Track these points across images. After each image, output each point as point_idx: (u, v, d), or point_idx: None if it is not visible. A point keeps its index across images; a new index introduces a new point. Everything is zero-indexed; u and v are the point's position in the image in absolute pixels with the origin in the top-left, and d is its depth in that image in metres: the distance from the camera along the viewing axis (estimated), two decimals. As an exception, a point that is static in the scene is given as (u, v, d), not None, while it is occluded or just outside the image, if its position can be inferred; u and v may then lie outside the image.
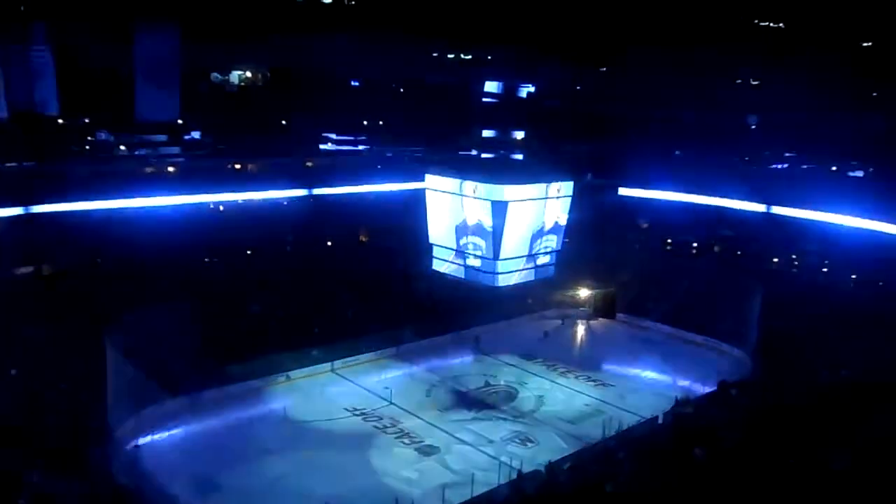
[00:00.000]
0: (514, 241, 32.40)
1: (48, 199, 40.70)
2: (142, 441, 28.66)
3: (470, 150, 65.81)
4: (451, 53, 60.61)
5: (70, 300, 36.39)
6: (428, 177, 35.31)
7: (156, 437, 29.70)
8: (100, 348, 28.98)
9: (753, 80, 55.86)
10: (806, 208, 49.20)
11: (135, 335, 31.48)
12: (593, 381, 38.12)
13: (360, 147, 60.49)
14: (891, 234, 44.46)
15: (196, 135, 52.41)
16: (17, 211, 39.73)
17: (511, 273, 33.66)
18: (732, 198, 52.92)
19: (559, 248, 35.03)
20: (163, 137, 50.27)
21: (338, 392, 35.61)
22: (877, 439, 23.89)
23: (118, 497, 23.97)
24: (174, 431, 30.42)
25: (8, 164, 42.30)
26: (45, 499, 21.72)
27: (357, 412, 33.24)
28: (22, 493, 21.41)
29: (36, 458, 23.96)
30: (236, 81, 60.12)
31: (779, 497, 20.09)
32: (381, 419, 32.59)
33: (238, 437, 30.36)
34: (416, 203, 38.52)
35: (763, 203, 51.88)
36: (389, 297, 45.05)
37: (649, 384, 37.77)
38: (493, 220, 31.64)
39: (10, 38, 40.73)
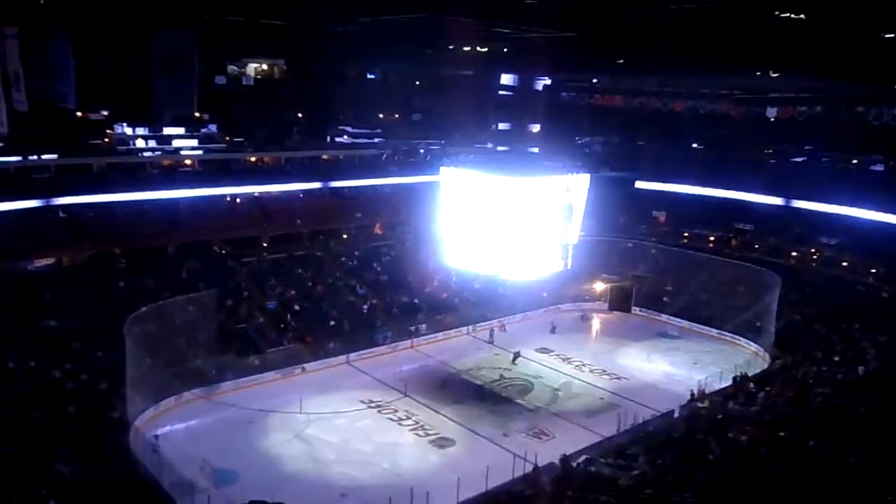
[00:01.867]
0: (530, 235, 32.30)
1: (68, 192, 41.13)
2: (160, 431, 29.00)
3: (485, 143, 65.62)
4: (467, 46, 60.39)
5: (90, 292, 36.82)
6: (443, 169, 35.23)
7: (174, 427, 30.06)
8: (119, 340, 29.35)
9: (773, 73, 55.14)
10: (825, 201, 48.67)
11: (154, 327, 31.87)
12: (608, 374, 38.07)
13: (377, 140, 60.44)
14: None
15: (213, 128, 52.62)
16: (37, 203, 40.17)
17: (526, 266, 33.57)
18: (750, 191, 52.45)
19: (575, 241, 34.93)
20: (180, 130, 50.57)
21: (353, 384, 35.83)
22: (894, 435, 23.68)
23: (137, 485, 24.30)
24: (192, 423, 30.77)
25: (29, 157, 42.73)
26: (67, 487, 22.04)
27: (373, 404, 33.43)
28: (45, 482, 21.74)
29: (58, 447, 24.34)
30: (252, 74, 60.28)
31: (794, 492, 19.99)
32: (397, 411, 32.75)
33: (255, 428, 30.66)
34: (431, 196, 38.52)
35: (782, 196, 51.37)
36: (405, 289, 45.24)
37: (665, 378, 37.66)
38: (508, 213, 31.56)
39: (30, 31, 41.09)
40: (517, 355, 38.98)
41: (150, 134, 49.83)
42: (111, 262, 39.95)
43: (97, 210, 42.00)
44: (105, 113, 50.78)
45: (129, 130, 49.40)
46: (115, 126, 49.34)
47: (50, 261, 38.71)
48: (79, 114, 47.59)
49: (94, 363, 31.44)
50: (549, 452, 27.39)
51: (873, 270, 44.19)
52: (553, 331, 43.66)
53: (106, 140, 48.98)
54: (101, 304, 35.73)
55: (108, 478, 23.58)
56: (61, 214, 40.99)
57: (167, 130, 50.26)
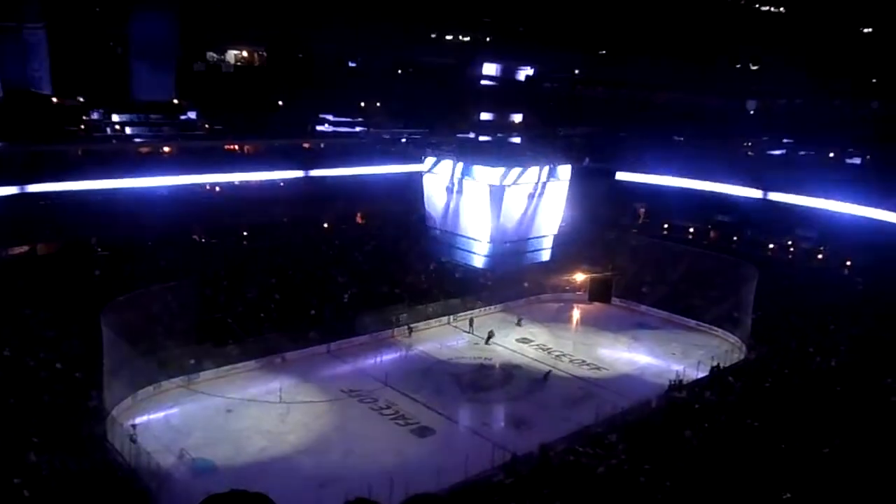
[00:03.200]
0: (511, 225, 32.36)
1: (43, 179, 40.45)
2: (138, 421, 28.74)
3: (468, 133, 65.51)
4: (449, 35, 60.12)
5: (66, 280, 36.34)
6: (425, 159, 35.14)
7: (152, 417, 29.82)
8: (95, 329, 29.01)
9: (753, 65, 55.58)
10: (803, 194, 49.19)
11: (131, 316, 31.53)
12: (588, 364, 38.28)
13: (358, 129, 60.08)
14: (887, 222, 44.50)
15: (192, 115, 51.96)
16: (12, 190, 39.47)
17: (507, 257, 33.64)
18: (730, 183, 52.88)
19: (556, 232, 35.03)
20: (158, 117, 49.85)
21: (334, 373, 35.73)
22: (865, 423, 24.09)
23: (114, 475, 24.10)
24: (170, 411, 30.55)
25: (1, 143, 41.97)
26: (42, 477, 21.81)
27: (353, 393, 33.37)
28: (19, 472, 21.49)
29: (32, 437, 24.05)
30: (232, 61, 59.61)
31: (768, 479, 20.27)
32: (377, 401, 32.72)
33: (234, 417, 30.49)
34: (413, 186, 38.45)
35: (760, 189, 51.86)
36: (386, 279, 45.12)
37: (643, 368, 37.95)
38: (490, 203, 31.58)
39: (3, 15, 40.29)
40: (491, 335, 39.69)
41: (128, 121, 49.11)
42: (87, 250, 39.41)
43: (73, 197, 41.36)
44: (81, 99, 49.98)
45: (106, 117, 48.65)
46: (92, 112, 48.55)
47: (24, 249, 38.11)
48: (54, 100, 46.77)
49: (70, 352, 31.06)
50: (528, 441, 27.56)
51: (848, 263, 44.78)
52: (488, 341, 40.48)
53: (82, 127, 48.22)
54: (76, 293, 35.29)
55: (84, 467, 23.37)
56: (39, 202, 40.31)
57: (145, 117, 49.55)
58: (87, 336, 30.36)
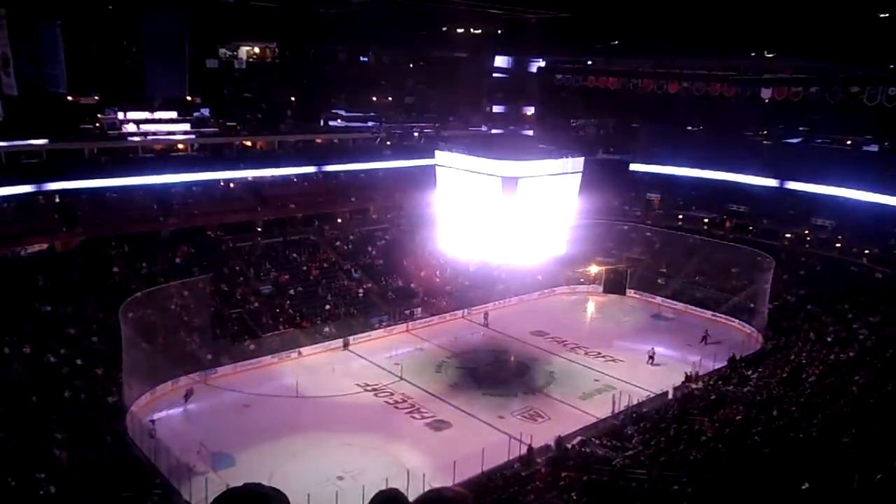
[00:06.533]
0: (525, 218, 32.27)
1: (60, 177, 40.73)
2: (157, 416, 29.06)
3: (480, 126, 65.29)
4: (460, 28, 59.81)
5: (84, 277, 36.73)
6: (438, 153, 35.08)
7: (170, 412, 30.14)
8: (114, 325, 29.35)
9: (768, 53, 54.85)
10: (820, 183, 48.68)
11: (149, 312, 31.88)
12: (603, 356, 38.23)
13: (370, 123, 60.01)
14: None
15: (205, 112, 52.13)
16: (29, 188, 39.85)
17: (521, 250, 33.57)
18: (745, 173, 52.41)
19: (570, 224, 34.93)
20: (172, 114, 50.03)
21: (349, 368, 35.92)
22: (884, 413, 23.90)
23: (134, 469, 24.40)
24: (188, 407, 30.86)
25: (19, 142, 42.31)
26: (64, 471, 22.11)
27: (369, 388, 33.54)
28: (42, 466, 21.79)
29: (55, 432, 24.38)
30: (244, 58, 59.64)
31: (786, 470, 20.18)
32: (393, 395, 32.89)
33: (251, 413, 30.74)
34: (426, 180, 38.45)
35: (776, 178, 51.36)
36: (400, 273, 45.23)
37: (659, 360, 37.83)
38: (503, 196, 31.50)
39: (19, 13, 40.57)
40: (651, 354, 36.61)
41: (142, 118, 49.34)
42: (105, 247, 39.79)
43: (89, 195, 41.71)
44: (96, 97, 50.28)
45: (120, 114, 48.90)
46: (107, 110, 48.82)
47: (43, 246, 38.52)
48: (69, 98, 47.09)
49: (89, 348, 31.45)
50: (544, 434, 27.60)
51: (867, 251, 44.34)
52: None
53: (97, 124, 48.54)
54: (95, 290, 35.68)
55: (105, 462, 23.69)
56: (56, 200, 40.64)
57: (159, 114, 49.75)
58: (107, 332, 30.74)
